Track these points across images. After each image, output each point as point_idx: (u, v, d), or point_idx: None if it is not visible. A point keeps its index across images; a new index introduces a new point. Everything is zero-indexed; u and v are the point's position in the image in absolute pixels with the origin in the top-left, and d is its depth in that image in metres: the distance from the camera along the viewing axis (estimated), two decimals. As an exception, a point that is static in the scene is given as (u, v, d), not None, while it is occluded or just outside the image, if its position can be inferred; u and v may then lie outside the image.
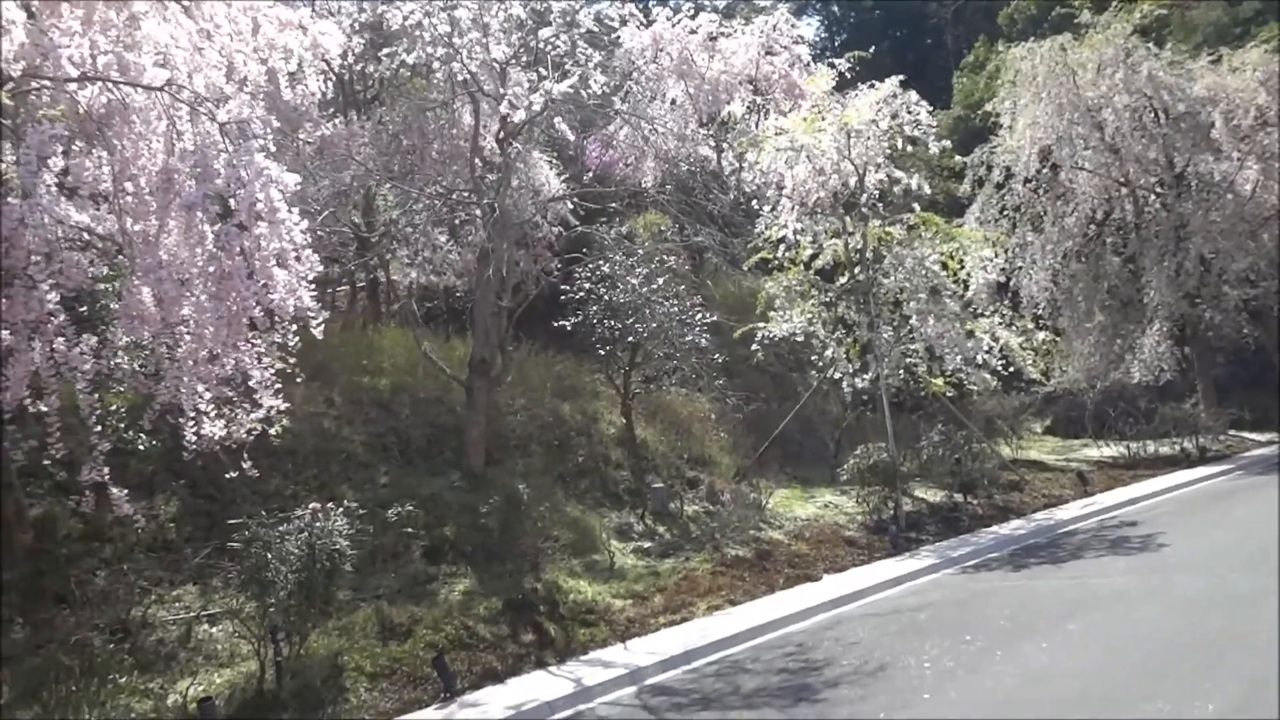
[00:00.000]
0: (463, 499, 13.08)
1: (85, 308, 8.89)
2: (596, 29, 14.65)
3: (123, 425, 9.73)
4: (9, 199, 6.76)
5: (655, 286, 15.89)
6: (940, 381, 17.20)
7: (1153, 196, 23.00)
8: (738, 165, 18.39)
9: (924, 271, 16.43)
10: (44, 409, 7.62)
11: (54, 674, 8.03)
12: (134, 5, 7.86)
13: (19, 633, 8.80)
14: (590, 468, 15.63)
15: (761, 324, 17.62)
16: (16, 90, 7.26)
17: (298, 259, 8.06)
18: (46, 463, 8.03)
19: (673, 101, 22.24)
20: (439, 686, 9.00)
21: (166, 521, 10.75)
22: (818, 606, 11.18)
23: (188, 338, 7.87)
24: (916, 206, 16.74)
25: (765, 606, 11.37)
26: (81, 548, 9.95)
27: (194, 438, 8.35)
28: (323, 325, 8.50)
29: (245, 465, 8.75)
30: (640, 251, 16.92)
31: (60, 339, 7.41)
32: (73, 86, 7.42)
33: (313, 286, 8.41)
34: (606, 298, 15.66)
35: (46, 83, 7.37)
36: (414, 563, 11.64)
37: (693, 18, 23.03)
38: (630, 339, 15.65)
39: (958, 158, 23.52)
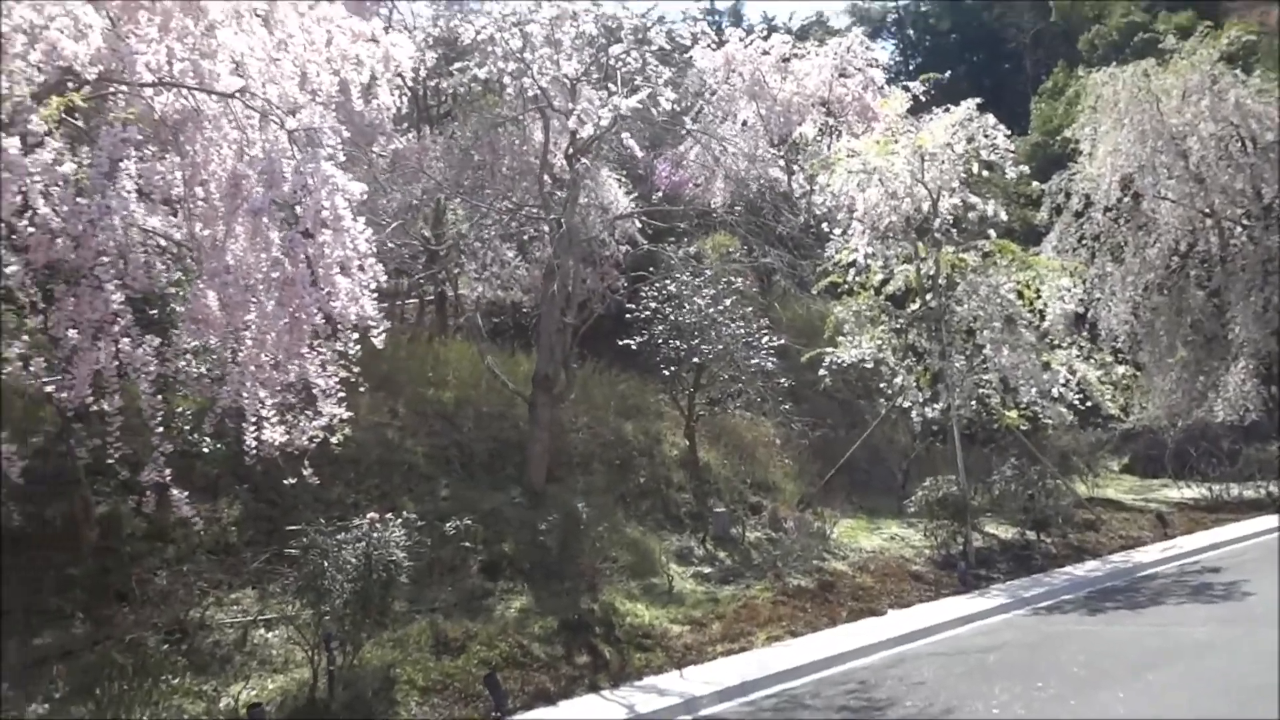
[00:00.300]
0: (522, 515, 13.00)
1: (155, 311, 8.99)
2: (668, 47, 14.62)
3: (188, 428, 9.84)
4: (79, 199, 6.83)
5: (722, 307, 15.72)
6: (1014, 414, 16.66)
7: (1239, 228, 22.13)
8: (808, 187, 18.23)
9: (999, 300, 16.00)
10: (106, 408, 7.69)
11: (108, 671, 8.09)
12: (211, 14, 7.95)
13: (79, 628, 8.90)
14: (651, 489, 15.44)
15: (829, 349, 17.28)
16: (93, 94, 7.36)
17: (361, 268, 8.06)
18: (111, 461, 8.09)
19: (744, 122, 22.21)
20: (490, 704, 8.87)
21: (228, 525, 10.85)
22: (882, 643, 10.81)
23: (250, 343, 7.90)
24: (992, 233, 16.38)
25: (827, 640, 11.05)
26: (145, 547, 10.08)
27: (254, 443, 8.38)
28: (387, 336, 8.49)
29: (306, 472, 8.75)
30: (708, 272, 16.77)
31: (126, 339, 7.48)
32: (148, 92, 7.53)
33: (377, 296, 8.41)
34: (672, 317, 15.53)
35: (122, 87, 7.47)
36: (471, 577, 11.59)
37: (765, 39, 23.02)
38: (695, 360, 15.48)
39: (1035, 184, 23.03)
